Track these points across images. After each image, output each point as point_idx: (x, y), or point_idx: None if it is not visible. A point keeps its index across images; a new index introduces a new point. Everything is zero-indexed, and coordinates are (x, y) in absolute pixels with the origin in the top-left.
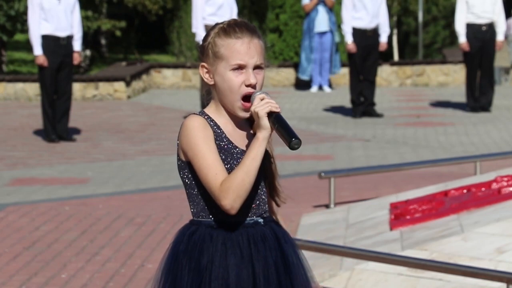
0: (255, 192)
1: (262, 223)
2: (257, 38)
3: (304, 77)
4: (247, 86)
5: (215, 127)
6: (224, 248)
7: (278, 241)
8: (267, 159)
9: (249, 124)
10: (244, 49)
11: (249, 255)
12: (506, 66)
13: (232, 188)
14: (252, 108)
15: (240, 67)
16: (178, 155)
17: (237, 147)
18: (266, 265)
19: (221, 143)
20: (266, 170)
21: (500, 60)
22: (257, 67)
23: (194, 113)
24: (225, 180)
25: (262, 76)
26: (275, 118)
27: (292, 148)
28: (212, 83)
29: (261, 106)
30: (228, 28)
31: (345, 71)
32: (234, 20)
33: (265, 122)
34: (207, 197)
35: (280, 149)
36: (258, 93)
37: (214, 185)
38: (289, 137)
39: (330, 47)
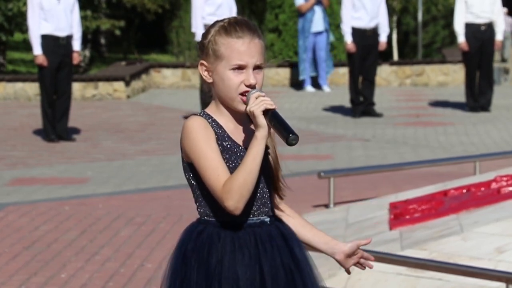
0: (258, 191)
1: (269, 223)
2: (258, 37)
3: (304, 77)
4: (247, 86)
5: (217, 127)
6: (233, 248)
7: (285, 240)
8: (266, 155)
9: (250, 121)
10: (244, 49)
11: (257, 255)
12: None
13: (234, 188)
14: (248, 108)
15: (240, 67)
16: (182, 157)
17: (240, 145)
18: (274, 265)
19: (224, 143)
20: (266, 166)
21: None
22: (257, 67)
23: (195, 114)
24: (227, 181)
25: (262, 75)
26: (271, 115)
27: (289, 144)
28: (210, 81)
29: (256, 105)
30: (229, 27)
31: (344, 70)
32: (235, 18)
33: (261, 120)
34: (213, 198)
35: (279, 148)
36: (252, 92)
37: (216, 187)
38: (286, 133)
39: (326, 46)
